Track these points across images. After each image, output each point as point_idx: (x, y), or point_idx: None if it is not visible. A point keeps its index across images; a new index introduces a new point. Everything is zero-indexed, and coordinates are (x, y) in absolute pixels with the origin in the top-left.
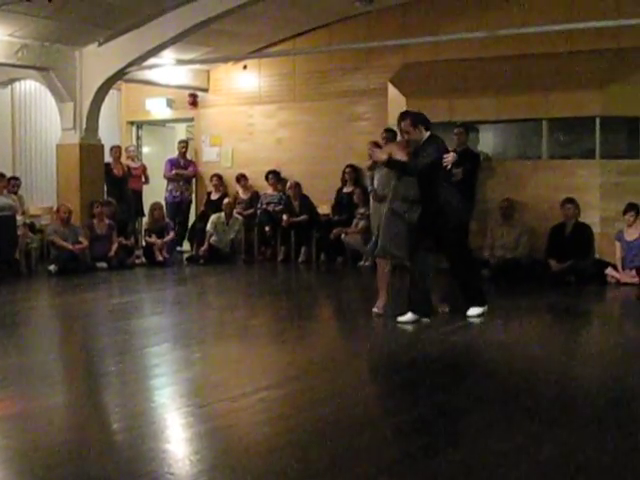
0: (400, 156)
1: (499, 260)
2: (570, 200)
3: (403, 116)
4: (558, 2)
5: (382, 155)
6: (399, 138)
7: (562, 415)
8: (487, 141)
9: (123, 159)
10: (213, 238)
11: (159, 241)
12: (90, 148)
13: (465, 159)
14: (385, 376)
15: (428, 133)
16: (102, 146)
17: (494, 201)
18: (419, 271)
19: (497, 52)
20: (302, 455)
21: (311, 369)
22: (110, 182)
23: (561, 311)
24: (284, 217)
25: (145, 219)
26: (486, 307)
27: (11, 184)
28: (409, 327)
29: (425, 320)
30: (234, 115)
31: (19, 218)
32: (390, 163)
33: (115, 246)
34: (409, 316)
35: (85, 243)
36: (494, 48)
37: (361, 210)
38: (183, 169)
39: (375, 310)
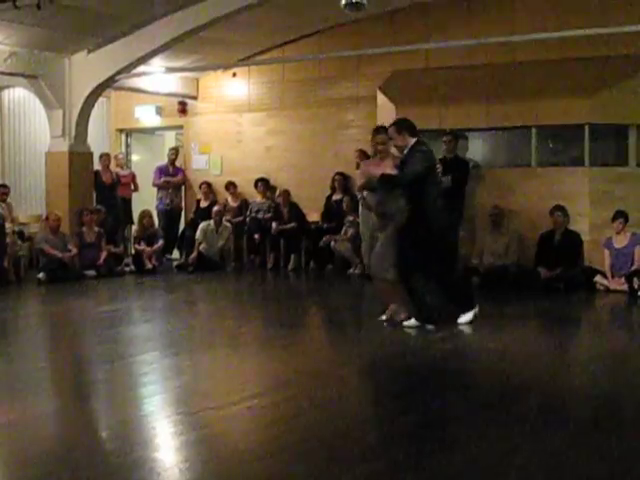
0: (377, 172)
1: (488, 267)
2: (559, 208)
3: (380, 130)
4: (547, 10)
5: (376, 171)
6: (394, 150)
7: (552, 421)
8: (476, 149)
9: (112, 167)
10: (202, 246)
11: (148, 249)
12: (79, 156)
13: (454, 167)
14: (375, 384)
15: (414, 139)
16: (91, 154)
17: (483, 209)
18: (411, 283)
19: (486, 60)
20: (290, 463)
21: (301, 376)
22: (99, 190)
23: (550, 318)
24: (273, 225)
25: (134, 227)
26: (477, 309)
27: (0, 192)
28: (411, 332)
29: (430, 327)
30: (223, 123)
31: (8, 226)
32: (383, 179)
33: (104, 254)
34: (412, 321)
35: (74, 251)
36: (483, 56)
37: (350, 217)
38: (172, 177)
39: (383, 317)
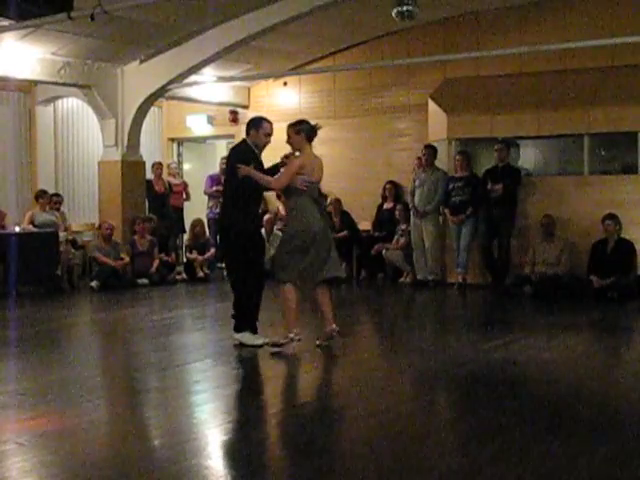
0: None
1: (540, 276)
2: (611, 216)
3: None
4: (599, 17)
5: None
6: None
7: (604, 433)
8: (528, 157)
9: (164, 176)
10: None
11: (200, 257)
12: (132, 165)
13: (506, 175)
14: (427, 393)
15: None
16: (143, 163)
17: (535, 217)
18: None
19: (538, 67)
20: (345, 471)
21: (353, 385)
22: (151, 199)
23: (603, 328)
24: None
25: (186, 235)
26: (259, 338)
27: (53, 201)
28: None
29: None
30: (274, 132)
31: (61, 234)
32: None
33: (156, 262)
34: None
35: (127, 259)
36: (535, 63)
37: (402, 226)
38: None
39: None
